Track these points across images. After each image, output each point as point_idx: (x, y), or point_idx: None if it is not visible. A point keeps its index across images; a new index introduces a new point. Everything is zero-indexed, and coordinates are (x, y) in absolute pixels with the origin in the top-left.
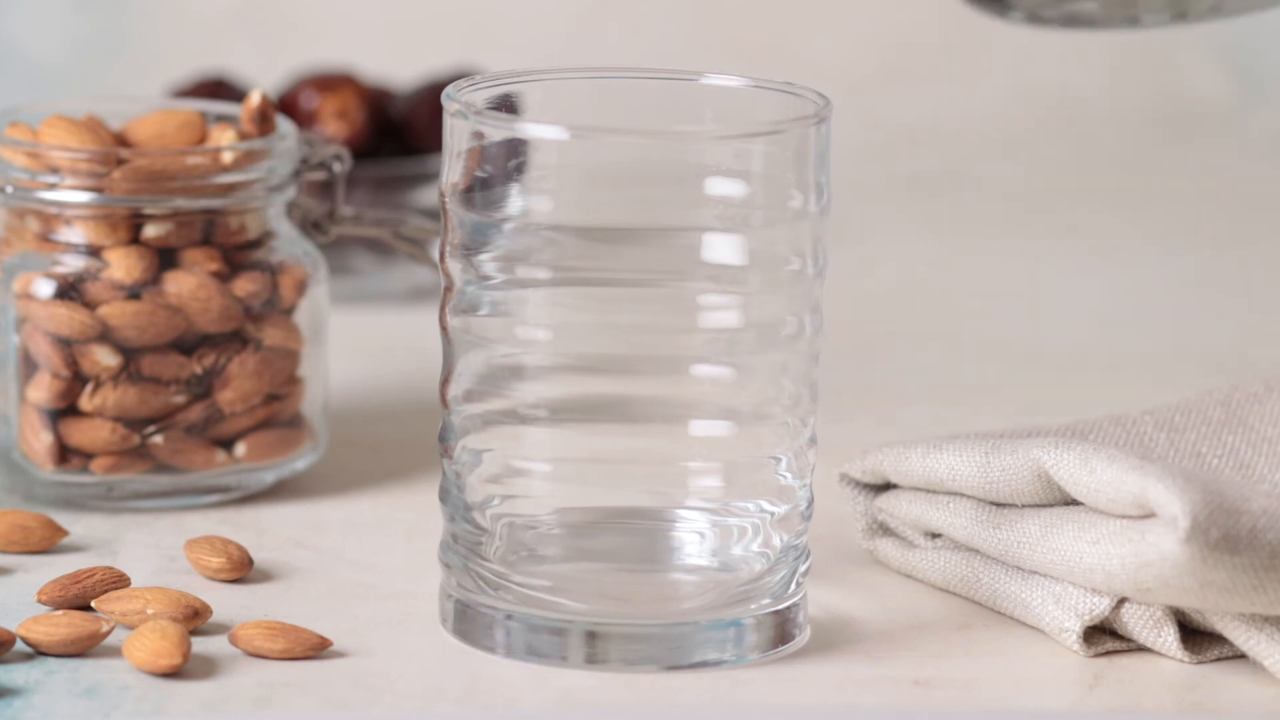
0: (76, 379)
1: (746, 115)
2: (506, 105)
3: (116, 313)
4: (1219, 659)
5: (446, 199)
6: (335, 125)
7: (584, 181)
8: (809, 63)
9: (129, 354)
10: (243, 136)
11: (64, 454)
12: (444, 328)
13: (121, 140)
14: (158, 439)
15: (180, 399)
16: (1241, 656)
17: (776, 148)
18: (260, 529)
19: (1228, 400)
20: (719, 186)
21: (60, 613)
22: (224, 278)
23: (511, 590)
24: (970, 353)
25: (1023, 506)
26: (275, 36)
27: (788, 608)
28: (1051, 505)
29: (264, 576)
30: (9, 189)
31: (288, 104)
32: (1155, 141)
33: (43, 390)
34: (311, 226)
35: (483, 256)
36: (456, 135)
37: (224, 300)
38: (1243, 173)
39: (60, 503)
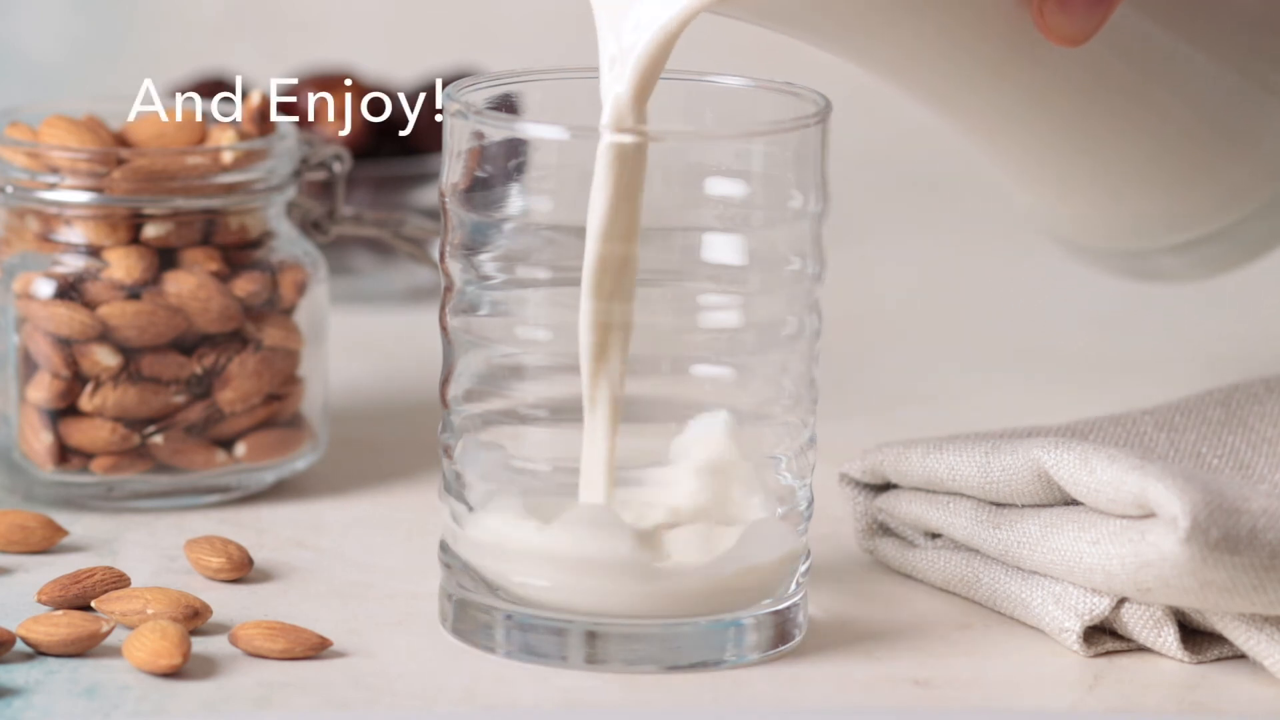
0: (76, 379)
1: (746, 115)
2: (506, 105)
3: (116, 313)
4: (1219, 659)
5: (446, 199)
6: (335, 125)
7: (584, 181)
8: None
9: (129, 354)
10: (243, 136)
11: (64, 454)
12: (444, 328)
13: (121, 140)
14: (158, 439)
15: (180, 399)
16: (1241, 656)
17: (776, 148)
18: (260, 529)
19: (1228, 400)
20: (719, 186)
21: (60, 613)
22: (224, 278)
23: (511, 590)
24: (970, 353)
25: (1023, 506)
26: (275, 36)
27: (788, 608)
28: (1051, 505)
29: (264, 576)
30: (9, 189)
31: (288, 104)
32: None
33: (43, 390)
34: (311, 226)
35: (483, 256)
36: (456, 135)
37: (224, 300)
38: None
39: (60, 503)
